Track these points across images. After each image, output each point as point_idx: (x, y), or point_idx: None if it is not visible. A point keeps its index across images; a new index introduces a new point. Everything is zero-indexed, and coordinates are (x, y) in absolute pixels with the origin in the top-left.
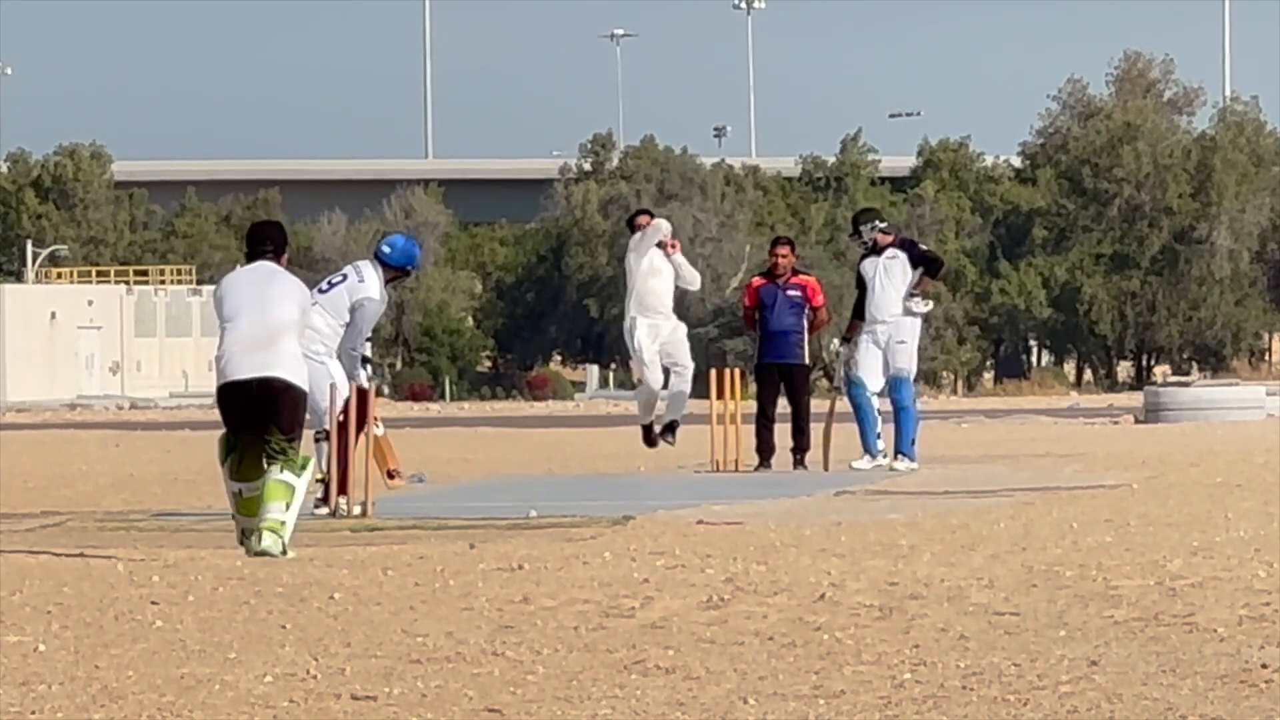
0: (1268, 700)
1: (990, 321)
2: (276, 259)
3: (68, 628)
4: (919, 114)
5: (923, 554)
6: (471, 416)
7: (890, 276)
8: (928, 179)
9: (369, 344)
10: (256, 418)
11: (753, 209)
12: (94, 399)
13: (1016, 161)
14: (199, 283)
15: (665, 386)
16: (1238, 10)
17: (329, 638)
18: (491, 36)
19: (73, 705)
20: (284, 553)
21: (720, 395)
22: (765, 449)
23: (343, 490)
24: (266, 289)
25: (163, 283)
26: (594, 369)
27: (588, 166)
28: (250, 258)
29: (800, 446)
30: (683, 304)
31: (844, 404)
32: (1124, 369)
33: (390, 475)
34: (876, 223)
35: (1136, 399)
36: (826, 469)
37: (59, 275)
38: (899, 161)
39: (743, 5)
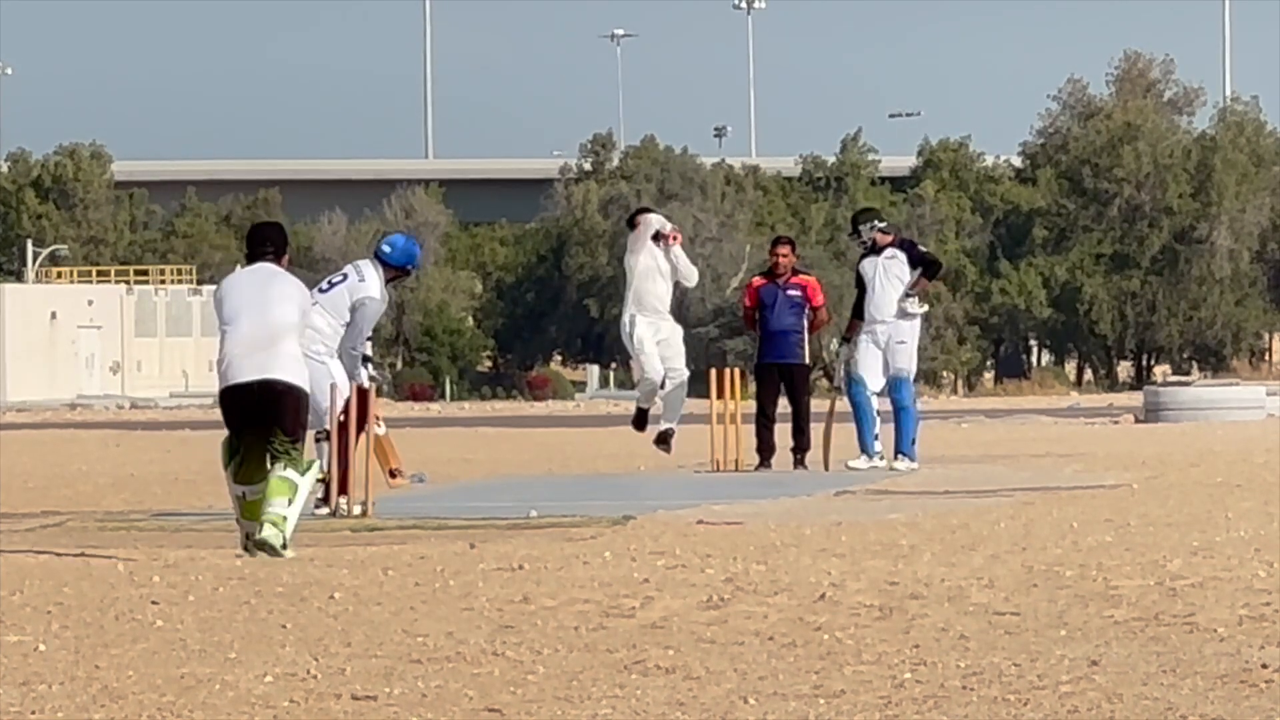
0: (1268, 700)
1: (990, 321)
2: (277, 260)
3: (68, 628)
4: (919, 114)
5: (923, 554)
6: (472, 416)
7: (889, 276)
8: (928, 179)
9: (370, 343)
10: (259, 420)
11: (753, 209)
12: (94, 399)
13: (1017, 161)
14: (199, 283)
15: (663, 387)
16: (1238, 10)
17: (329, 638)
18: (491, 36)
19: (73, 705)
20: (284, 546)
21: (720, 395)
22: (765, 449)
23: (343, 490)
24: (266, 290)
25: (163, 283)
26: (594, 369)
27: (588, 166)
28: (251, 259)
29: (800, 446)
30: (682, 304)
31: (844, 404)
32: (1124, 369)
33: (392, 474)
34: (875, 222)
35: (1136, 399)
36: (826, 469)
37: (59, 275)
38: (899, 161)
39: (743, 5)
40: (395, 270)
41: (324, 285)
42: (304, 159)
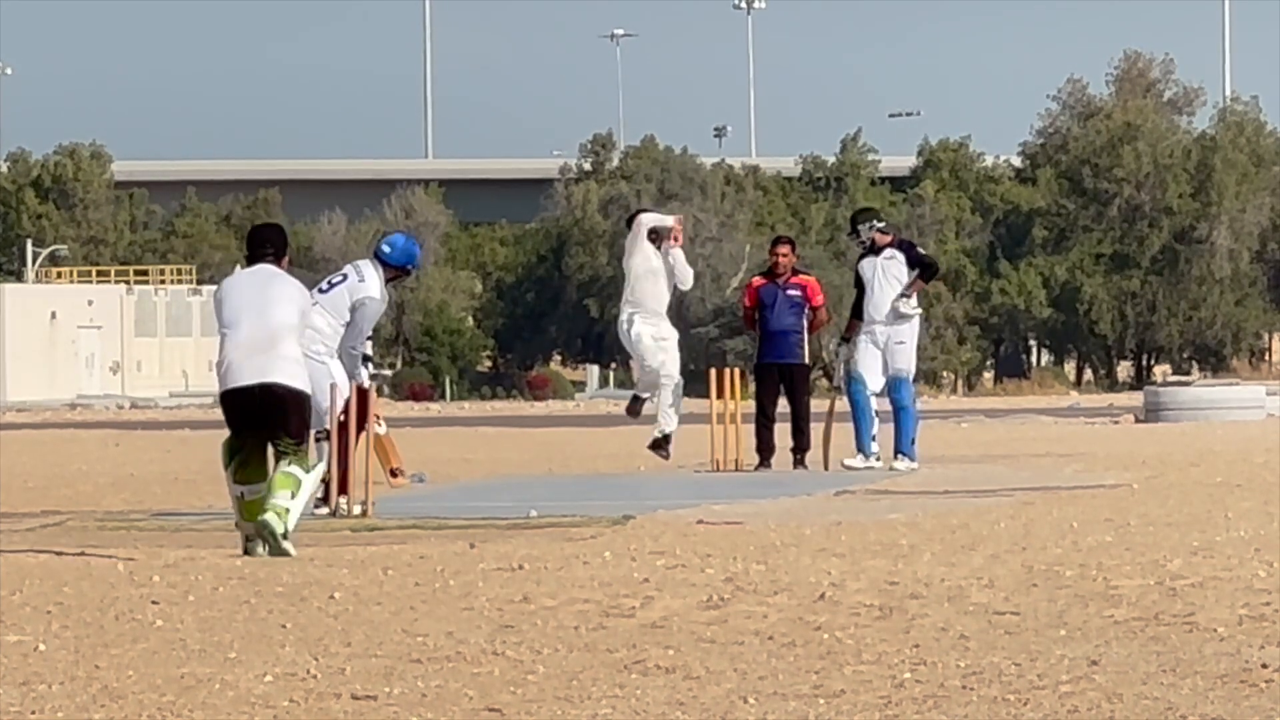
0: (1268, 700)
1: (990, 321)
2: (277, 261)
3: (68, 628)
4: (919, 114)
5: (923, 554)
6: (472, 416)
7: (888, 277)
8: (928, 179)
9: (370, 343)
10: (261, 422)
11: (753, 209)
12: (94, 399)
13: (1016, 161)
14: (199, 283)
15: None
16: (1238, 10)
17: (329, 638)
18: (491, 36)
19: (73, 705)
20: (284, 535)
21: (720, 395)
22: (765, 449)
23: (343, 490)
24: (266, 292)
25: (163, 283)
26: (594, 369)
27: (588, 166)
28: (251, 260)
29: (800, 446)
30: (682, 304)
31: (844, 404)
32: (1124, 369)
33: (393, 474)
34: (874, 222)
35: (1136, 399)
36: (826, 469)
37: (59, 275)
38: (899, 161)
39: (743, 5)
40: (395, 270)
41: (324, 285)
42: (304, 159)
